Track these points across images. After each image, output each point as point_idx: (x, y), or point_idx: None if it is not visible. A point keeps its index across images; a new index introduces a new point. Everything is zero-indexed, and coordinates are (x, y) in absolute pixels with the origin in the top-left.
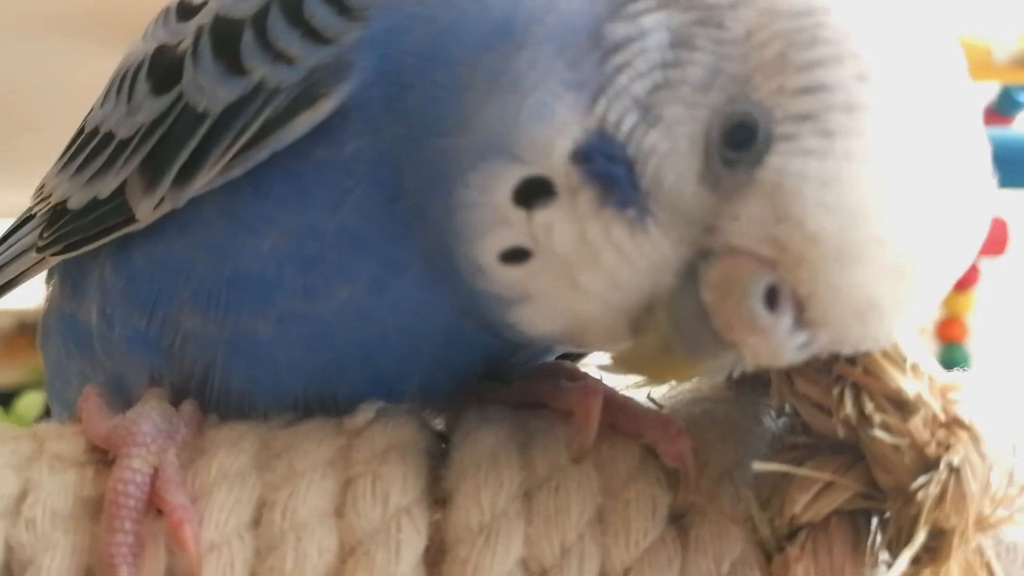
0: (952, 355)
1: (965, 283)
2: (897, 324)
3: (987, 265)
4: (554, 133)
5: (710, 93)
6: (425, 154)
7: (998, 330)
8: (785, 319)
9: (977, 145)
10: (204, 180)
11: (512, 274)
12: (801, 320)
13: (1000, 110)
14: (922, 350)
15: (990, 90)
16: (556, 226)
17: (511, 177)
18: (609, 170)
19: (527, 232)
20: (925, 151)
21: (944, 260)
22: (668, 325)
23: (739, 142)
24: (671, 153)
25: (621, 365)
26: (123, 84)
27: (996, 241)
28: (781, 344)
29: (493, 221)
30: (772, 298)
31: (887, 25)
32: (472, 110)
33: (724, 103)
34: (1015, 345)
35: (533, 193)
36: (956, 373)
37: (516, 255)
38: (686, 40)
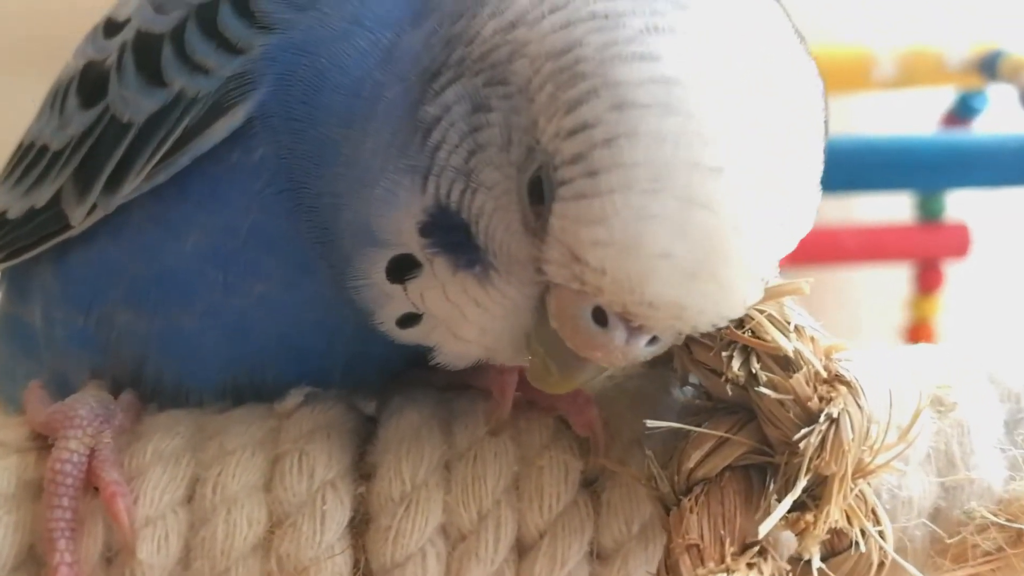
0: None
1: (931, 287)
2: (719, 307)
3: (952, 268)
4: (402, 216)
5: (511, 150)
6: (316, 186)
7: (966, 333)
8: (618, 332)
9: (764, 143)
10: (132, 186)
11: (411, 333)
12: (632, 328)
13: (958, 116)
14: (807, 316)
15: (947, 96)
16: (426, 293)
17: (382, 259)
18: (450, 239)
19: (409, 301)
20: (691, 164)
21: (738, 251)
22: (540, 351)
23: (537, 197)
24: (496, 211)
25: (530, 379)
26: (56, 100)
27: (959, 244)
28: (625, 350)
29: (380, 297)
30: (600, 317)
31: (651, 42)
32: (342, 184)
33: (524, 157)
34: (983, 347)
35: (403, 269)
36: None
37: (409, 319)
38: (482, 104)
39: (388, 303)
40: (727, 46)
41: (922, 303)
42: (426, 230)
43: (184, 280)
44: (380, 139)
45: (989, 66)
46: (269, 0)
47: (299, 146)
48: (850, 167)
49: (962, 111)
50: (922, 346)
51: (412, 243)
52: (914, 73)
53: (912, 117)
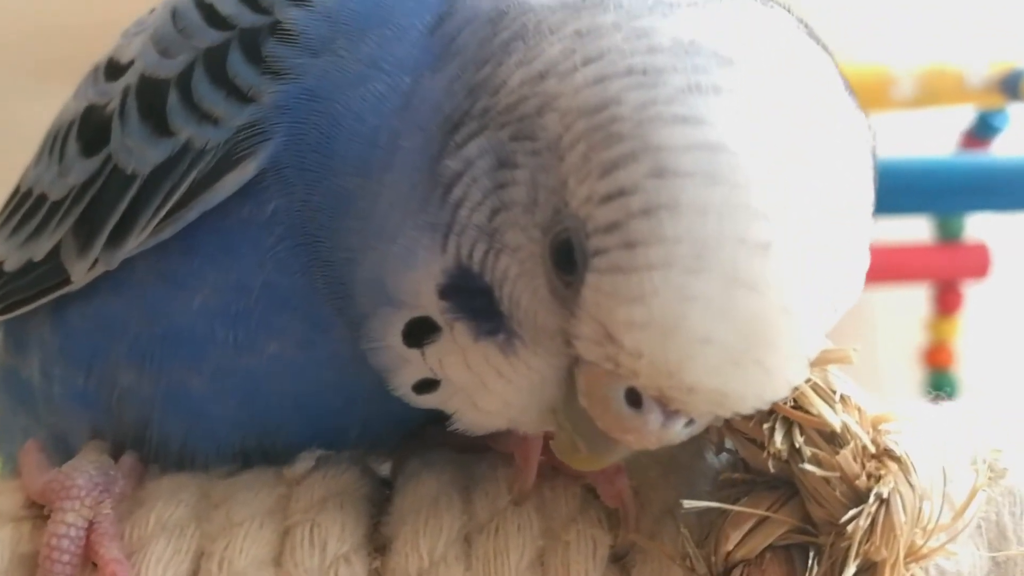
0: (939, 382)
1: (950, 308)
2: (762, 394)
3: (971, 290)
4: (420, 277)
5: (536, 211)
6: (331, 239)
7: (986, 355)
8: (653, 415)
9: (814, 213)
10: (136, 242)
11: (429, 399)
12: (668, 411)
13: (977, 135)
14: (852, 383)
15: (966, 115)
16: (445, 359)
17: (399, 321)
18: (472, 303)
19: (427, 366)
20: (737, 240)
21: (786, 334)
22: (568, 426)
23: (564, 263)
24: (521, 276)
25: (556, 453)
26: (55, 144)
27: (979, 265)
28: (660, 434)
29: (397, 361)
30: (635, 398)
31: (694, 103)
32: (357, 239)
33: (551, 219)
34: (1003, 369)
35: (421, 332)
36: (898, 403)
37: (426, 385)
38: (507, 159)
39: (404, 367)
40: (776, 107)
41: (941, 324)
42: (446, 293)
43: (192, 339)
44: (398, 192)
45: (1011, 85)
46: (281, 45)
47: (313, 197)
48: None
49: (982, 130)
50: (970, 402)
51: (431, 305)
52: (934, 92)
53: (931, 136)
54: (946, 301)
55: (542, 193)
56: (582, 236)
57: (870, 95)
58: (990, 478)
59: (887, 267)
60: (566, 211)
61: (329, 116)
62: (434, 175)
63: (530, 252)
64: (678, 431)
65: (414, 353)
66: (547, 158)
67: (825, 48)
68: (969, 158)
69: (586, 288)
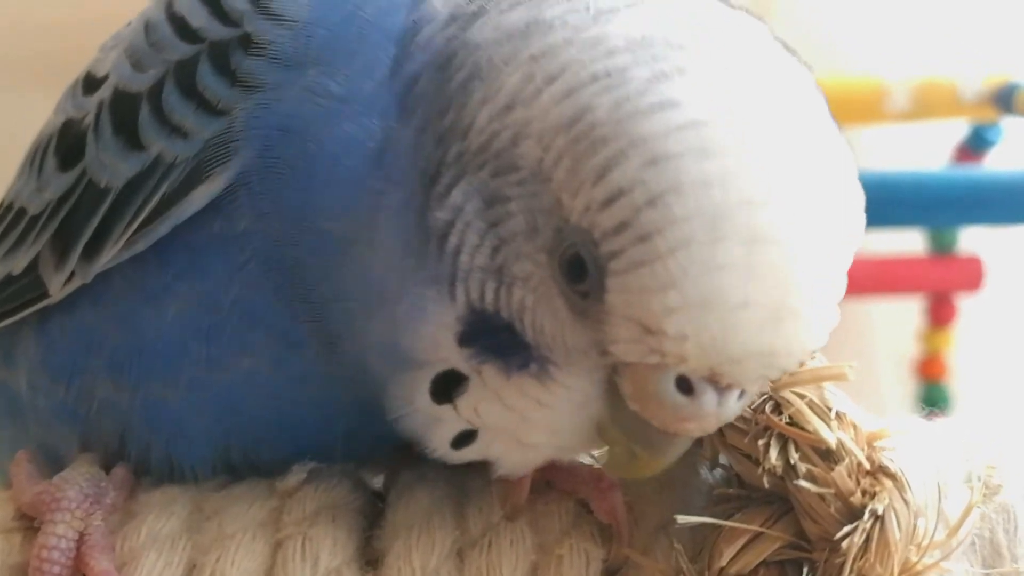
0: (932, 394)
1: (943, 320)
2: (805, 344)
3: (965, 302)
4: (435, 331)
5: (538, 236)
6: (311, 281)
7: (979, 367)
8: (707, 397)
9: (799, 161)
10: (110, 255)
11: (468, 452)
12: (720, 388)
13: (971, 148)
14: (847, 400)
15: (960, 129)
16: (481, 406)
17: (423, 380)
18: (495, 342)
19: (462, 419)
20: (744, 202)
21: (814, 278)
22: (622, 437)
23: (578, 277)
24: (538, 303)
25: (609, 470)
26: (35, 159)
27: (972, 277)
28: (718, 413)
29: (429, 422)
30: (685, 385)
31: (663, 89)
32: (356, 303)
33: (553, 240)
34: (996, 382)
35: (449, 386)
36: (893, 419)
37: (465, 438)
38: (495, 196)
39: (439, 427)
40: (734, 75)
41: (934, 337)
42: (466, 339)
43: (166, 353)
44: (391, 253)
45: (1004, 99)
46: (250, 58)
47: (289, 231)
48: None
49: (976, 144)
50: (964, 418)
51: (453, 356)
52: (927, 105)
53: (925, 150)
54: (939, 313)
55: (539, 218)
56: (591, 246)
57: (864, 108)
58: (984, 495)
59: (881, 279)
60: (567, 228)
61: (302, 153)
62: (424, 229)
63: (541, 278)
64: (733, 406)
65: (446, 409)
66: (534, 184)
67: (760, 19)
68: (962, 171)
69: (610, 294)
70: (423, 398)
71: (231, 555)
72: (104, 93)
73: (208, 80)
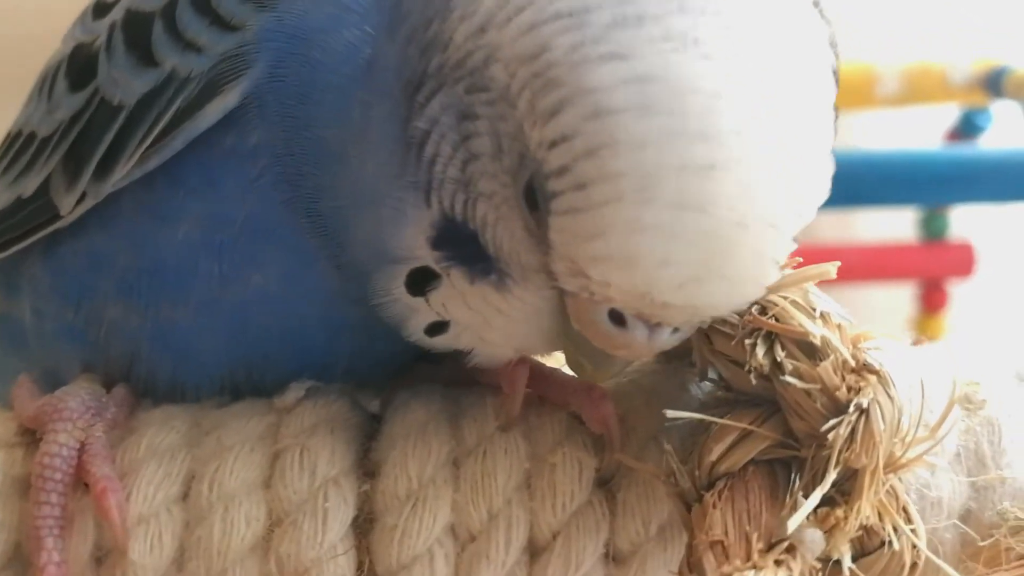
0: None
1: (935, 306)
2: (736, 301)
3: (956, 288)
4: (413, 232)
5: (503, 157)
6: (314, 185)
7: (971, 353)
8: (638, 331)
9: (758, 120)
10: (122, 172)
11: (441, 340)
12: (651, 325)
13: (961, 133)
14: (832, 302)
15: (951, 113)
16: (448, 303)
17: (400, 274)
18: (463, 250)
19: (433, 311)
20: (679, 167)
21: (744, 245)
22: (571, 349)
23: (533, 205)
24: (499, 220)
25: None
26: (44, 85)
27: (963, 263)
28: (650, 344)
29: (406, 310)
30: (618, 318)
31: (619, 38)
32: (346, 200)
33: (517, 164)
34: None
35: (422, 281)
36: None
37: (436, 328)
38: (468, 111)
39: (414, 315)
40: (702, 28)
41: (927, 323)
42: (437, 243)
43: (177, 272)
44: (379, 159)
45: (994, 83)
46: None
47: (293, 140)
48: (853, 182)
49: (966, 128)
50: (947, 344)
51: (427, 257)
52: (918, 90)
53: (915, 134)
54: (931, 300)
55: (505, 141)
56: (541, 179)
57: (855, 93)
58: (968, 409)
59: (873, 266)
60: (527, 155)
61: (308, 61)
62: (406, 137)
63: (504, 197)
64: (666, 339)
65: (419, 301)
66: (502, 107)
67: None
68: (953, 150)
69: (551, 230)
70: (400, 289)
71: (230, 465)
72: (116, 15)
73: None
